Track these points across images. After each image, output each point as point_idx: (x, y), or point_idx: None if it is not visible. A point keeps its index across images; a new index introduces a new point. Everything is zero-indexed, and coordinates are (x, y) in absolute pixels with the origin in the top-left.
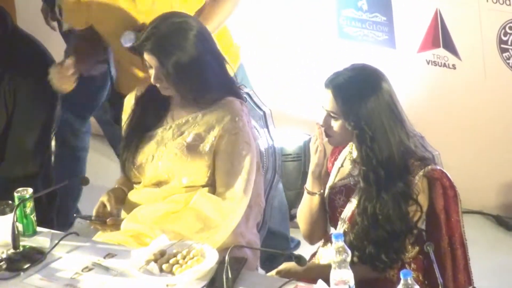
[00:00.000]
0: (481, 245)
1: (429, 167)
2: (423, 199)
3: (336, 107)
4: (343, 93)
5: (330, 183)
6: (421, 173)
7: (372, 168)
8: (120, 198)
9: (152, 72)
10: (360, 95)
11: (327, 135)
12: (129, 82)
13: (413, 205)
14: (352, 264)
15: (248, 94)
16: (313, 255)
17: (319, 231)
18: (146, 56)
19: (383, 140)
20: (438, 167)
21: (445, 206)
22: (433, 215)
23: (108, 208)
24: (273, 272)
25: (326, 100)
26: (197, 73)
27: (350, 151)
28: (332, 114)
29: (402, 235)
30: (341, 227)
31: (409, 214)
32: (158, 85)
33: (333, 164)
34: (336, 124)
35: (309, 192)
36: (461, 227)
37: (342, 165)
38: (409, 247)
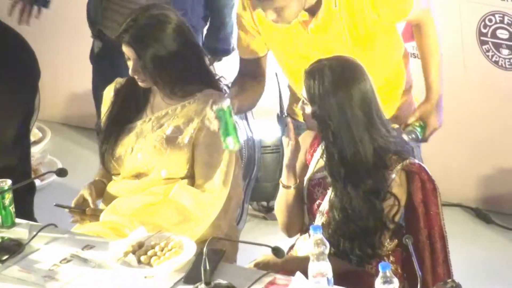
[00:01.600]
0: (460, 238)
1: (407, 161)
2: (400, 193)
3: (307, 95)
4: (315, 82)
5: (308, 175)
6: (398, 167)
7: (336, 164)
8: (101, 190)
9: (130, 64)
10: (331, 88)
11: (304, 120)
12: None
13: (390, 199)
14: (330, 257)
15: (227, 86)
16: (291, 247)
17: (296, 224)
18: (124, 48)
19: (347, 136)
20: (417, 161)
21: (424, 200)
22: (411, 208)
23: (90, 201)
24: (252, 264)
25: (303, 85)
26: (174, 66)
27: None
28: (304, 101)
29: (376, 231)
30: (320, 220)
31: (383, 210)
32: (136, 77)
33: (312, 156)
34: (308, 110)
35: (284, 186)
36: (441, 220)
37: (321, 157)
38: (388, 240)
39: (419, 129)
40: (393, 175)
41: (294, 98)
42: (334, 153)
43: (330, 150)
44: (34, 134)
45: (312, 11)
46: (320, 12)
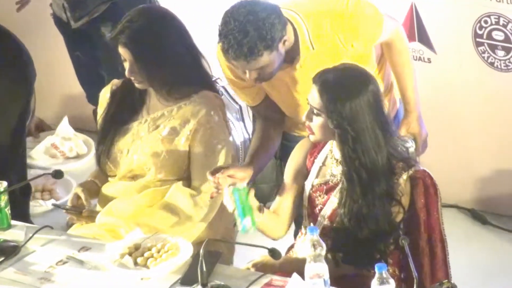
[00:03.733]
0: (456, 239)
1: (413, 169)
2: (405, 200)
3: (321, 104)
4: (330, 90)
5: (310, 180)
6: (405, 176)
7: (355, 169)
8: (92, 190)
9: (126, 65)
10: (346, 95)
11: (309, 131)
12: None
13: (396, 206)
14: (336, 264)
15: (224, 87)
16: (290, 248)
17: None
18: (121, 49)
19: (366, 141)
20: (421, 168)
21: (426, 204)
22: (413, 213)
23: (83, 198)
24: (249, 265)
25: (312, 96)
26: (170, 67)
27: (331, 149)
28: (315, 110)
29: (388, 236)
30: (321, 224)
31: (392, 214)
32: (132, 78)
33: (312, 163)
34: (317, 120)
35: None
36: (441, 224)
37: (323, 164)
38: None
39: (411, 142)
40: (400, 182)
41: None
42: (354, 159)
43: (350, 156)
44: (79, 147)
45: (291, 59)
46: (299, 58)
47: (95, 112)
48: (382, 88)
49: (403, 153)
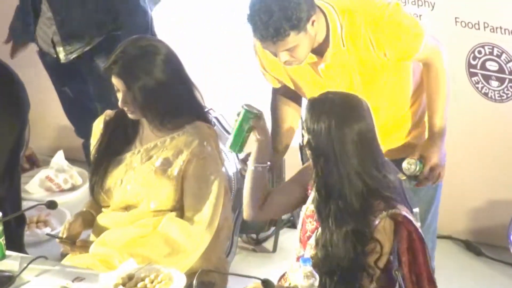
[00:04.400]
0: (450, 270)
1: (393, 210)
2: (384, 240)
3: (304, 124)
4: (313, 113)
5: (306, 205)
6: (383, 214)
7: (322, 199)
8: (88, 220)
9: (119, 95)
10: (327, 122)
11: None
12: None
13: (372, 244)
14: None
15: (216, 118)
16: (282, 276)
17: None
18: (114, 79)
19: (335, 173)
20: (403, 212)
21: (410, 248)
22: (398, 255)
23: (75, 226)
24: None
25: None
26: (163, 98)
27: None
28: (304, 128)
29: (355, 273)
30: (309, 252)
31: (364, 253)
32: (125, 108)
33: (312, 188)
34: (306, 140)
35: (260, 167)
36: (429, 267)
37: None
38: (373, 285)
39: (418, 163)
40: (377, 221)
41: None
42: (321, 189)
43: (318, 185)
44: (74, 178)
45: (320, 51)
46: (329, 52)
47: (84, 145)
48: (410, 122)
49: (388, 191)
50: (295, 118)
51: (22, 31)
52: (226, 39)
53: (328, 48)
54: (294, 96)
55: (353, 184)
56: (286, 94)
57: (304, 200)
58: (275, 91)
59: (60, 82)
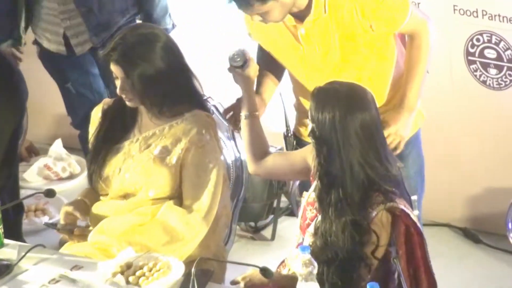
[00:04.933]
0: (449, 258)
1: (391, 204)
2: (380, 231)
3: (309, 112)
4: (318, 102)
5: (308, 193)
6: (381, 206)
7: (324, 188)
8: (82, 209)
9: (118, 82)
10: (331, 111)
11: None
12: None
13: (369, 234)
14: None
15: (215, 106)
16: (281, 263)
17: (264, 146)
18: (113, 66)
19: (337, 162)
20: (401, 206)
21: (407, 242)
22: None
23: (78, 215)
24: (239, 278)
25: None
26: (162, 86)
27: None
28: (309, 117)
29: (353, 262)
30: (308, 240)
31: (361, 244)
32: (123, 96)
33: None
34: (309, 127)
35: (252, 115)
36: (428, 261)
37: None
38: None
39: None
40: (374, 213)
41: (301, 118)
42: (323, 178)
43: (320, 173)
44: (72, 166)
45: (302, 17)
46: (309, 18)
47: (80, 136)
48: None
49: (389, 184)
50: (271, 91)
51: (7, 37)
52: (225, 40)
53: (309, 14)
54: (275, 68)
55: (355, 174)
56: (267, 66)
57: (299, 176)
58: (258, 60)
59: (63, 79)
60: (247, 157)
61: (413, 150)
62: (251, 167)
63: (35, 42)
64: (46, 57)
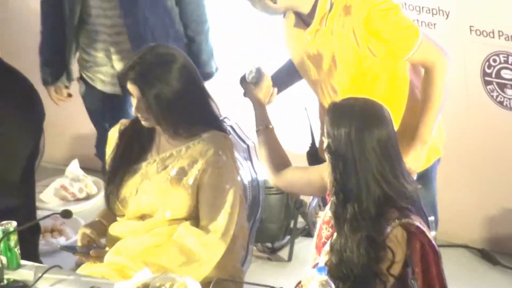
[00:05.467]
0: (466, 279)
1: (406, 220)
2: (395, 248)
3: (325, 128)
4: (334, 118)
5: (324, 211)
6: (396, 223)
7: (340, 204)
8: (100, 230)
9: (134, 101)
10: (347, 127)
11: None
12: None
13: (384, 251)
14: None
15: (231, 127)
16: (298, 284)
17: (284, 158)
18: (129, 85)
19: (353, 178)
20: (416, 223)
21: (423, 260)
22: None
23: (93, 238)
24: None
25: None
26: (178, 107)
27: None
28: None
29: (368, 279)
30: (324, 258)
31: (377, 260)
32: (139, 115)
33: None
34: (325, 143)
35: (267, 128)
36: (443, 279)
37: None
38: None
39: None
40: (389, 229)
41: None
42: (339, 193)
43: (336, 189)
44: (89, 187)
45: (307, 23)
46: (312, 26)
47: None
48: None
49: (405, 201)
50: None
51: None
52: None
53: (312, 22)
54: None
55: (371, 190)
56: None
57: (316, 192)
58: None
59: (103, 119)
60: (267, 170)
61: (424, 185)
62: (271, 178)
63: (81, 79)
64: (92, 96)
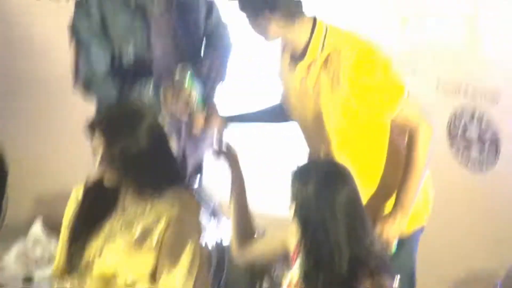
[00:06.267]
0: None
1: (378, 279)
2: None
3: (290, 194)
4: (298, 182)
5: (290, 273)
6: (368, 282)
7: (311, 268)
8: None
9: (98, 156)
10: (313, 190)
11: None
12: None
13: None
14: None
15: (196, 190)
16: None
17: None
18: (96, 138)
19: (324, 241)
20: (387, 282)
21: None
22: None
23: None
24: None
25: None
26: (142, 164)
27: None
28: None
29: None
30: None
31: None
32: (101, 169)
33: (297, 255)
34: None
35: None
36: None
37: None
38: None
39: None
40: None
41: None
42: (310, 258)
43: (307, 253)
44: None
45: (300, 56)
46: (303, 61)
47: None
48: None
49: (376, 260)
50: None
51: None
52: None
53: (303, 59)
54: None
55: (343, 251)
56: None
57: (277, 259)
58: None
59: None
60: (232, 241)
61: (401, 255)
62: (234, 252)
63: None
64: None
